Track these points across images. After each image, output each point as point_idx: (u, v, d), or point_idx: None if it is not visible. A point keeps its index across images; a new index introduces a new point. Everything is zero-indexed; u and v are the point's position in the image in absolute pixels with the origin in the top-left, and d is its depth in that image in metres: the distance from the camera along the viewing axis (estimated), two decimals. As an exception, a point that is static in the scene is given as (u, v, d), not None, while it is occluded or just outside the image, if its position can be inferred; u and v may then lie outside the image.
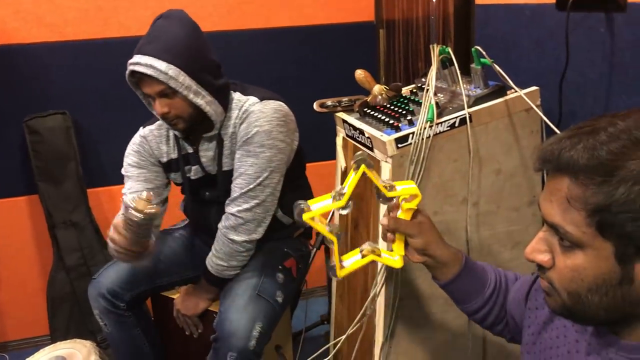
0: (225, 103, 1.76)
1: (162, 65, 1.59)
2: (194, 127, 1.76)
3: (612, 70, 1.40)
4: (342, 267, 1.18)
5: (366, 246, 1.22)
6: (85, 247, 2.56)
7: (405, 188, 1.18)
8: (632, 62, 1.34)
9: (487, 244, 1.57)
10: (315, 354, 1.63)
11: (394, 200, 1.20)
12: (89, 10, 2.44)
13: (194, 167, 1.86)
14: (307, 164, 2.08)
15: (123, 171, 1.89)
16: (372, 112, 1.63)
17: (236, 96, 1.80)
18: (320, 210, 1.14)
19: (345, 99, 1.77)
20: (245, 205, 1.75)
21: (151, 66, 1.59)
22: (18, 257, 2.63)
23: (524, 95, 1.48)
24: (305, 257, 2.04)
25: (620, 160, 0.72)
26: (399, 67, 2.56)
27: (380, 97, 1.70)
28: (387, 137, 1.44)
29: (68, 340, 2.05)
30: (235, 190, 1.76)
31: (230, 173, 1.81)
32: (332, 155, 1.89)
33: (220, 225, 1.79)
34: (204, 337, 1.91)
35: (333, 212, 1.85)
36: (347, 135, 1.72)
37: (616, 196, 0.72)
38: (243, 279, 1.82)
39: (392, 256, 1.22)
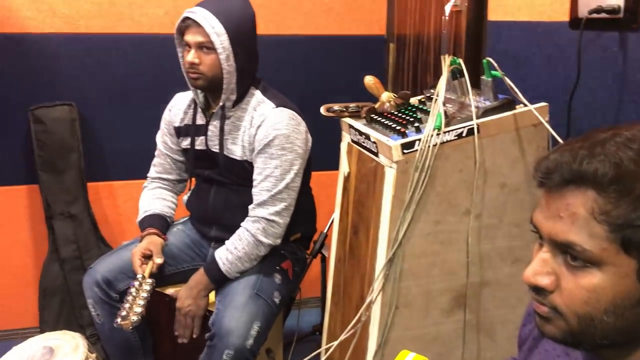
0: (242, 88, 1.85)
1: (215, 21, 1.74)
2: (211, 88, 1.86)
3: (623, 90, 1.39)
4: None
5: None
6: (81, 240, 2.54)
7: None
8: (644, 83, 1.33)
9: (487, 257, 1.56)
10: (307, 358, 1.61)
11: None
12: (102, 4, 2.45)
13: (200, 137, 1.95)
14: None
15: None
16: (379, 119, 1.62)
17: (255, 93, 1.89)
18: None
19: (352, 104, 1.77)
20: (276, 209, 1.81)
21: (205, 18, 1.74)
22: (13, 247, 2.60)
23: (533, 109, 1.48)
24: (301, 261, 2.05)
25: None
26: (407, 79, 2.56)
27: (388, 104, 1.70)
28: (394, 142, 1.43)
29: (57, 331, 2.02)
30: (263, 194, 1.81)
31: (231, 161, 1.88)
32: (334, 165, 1.92)
33: (248, 227, 1.82)
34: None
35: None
36: (353, 141, 1.71)
37: None
38: (241, 278, 1.83)
39: None
